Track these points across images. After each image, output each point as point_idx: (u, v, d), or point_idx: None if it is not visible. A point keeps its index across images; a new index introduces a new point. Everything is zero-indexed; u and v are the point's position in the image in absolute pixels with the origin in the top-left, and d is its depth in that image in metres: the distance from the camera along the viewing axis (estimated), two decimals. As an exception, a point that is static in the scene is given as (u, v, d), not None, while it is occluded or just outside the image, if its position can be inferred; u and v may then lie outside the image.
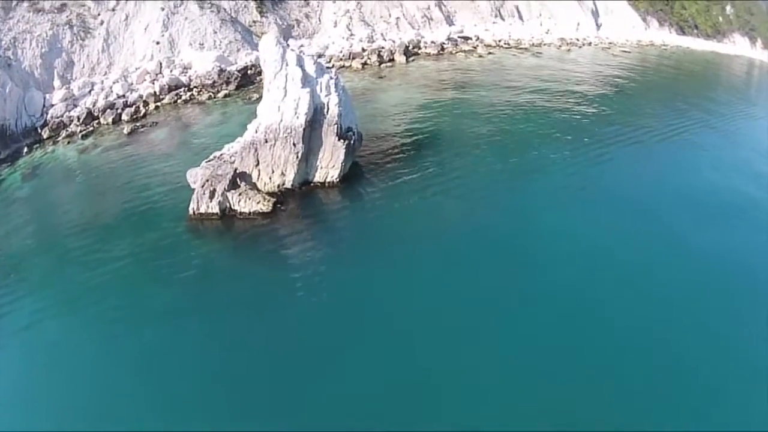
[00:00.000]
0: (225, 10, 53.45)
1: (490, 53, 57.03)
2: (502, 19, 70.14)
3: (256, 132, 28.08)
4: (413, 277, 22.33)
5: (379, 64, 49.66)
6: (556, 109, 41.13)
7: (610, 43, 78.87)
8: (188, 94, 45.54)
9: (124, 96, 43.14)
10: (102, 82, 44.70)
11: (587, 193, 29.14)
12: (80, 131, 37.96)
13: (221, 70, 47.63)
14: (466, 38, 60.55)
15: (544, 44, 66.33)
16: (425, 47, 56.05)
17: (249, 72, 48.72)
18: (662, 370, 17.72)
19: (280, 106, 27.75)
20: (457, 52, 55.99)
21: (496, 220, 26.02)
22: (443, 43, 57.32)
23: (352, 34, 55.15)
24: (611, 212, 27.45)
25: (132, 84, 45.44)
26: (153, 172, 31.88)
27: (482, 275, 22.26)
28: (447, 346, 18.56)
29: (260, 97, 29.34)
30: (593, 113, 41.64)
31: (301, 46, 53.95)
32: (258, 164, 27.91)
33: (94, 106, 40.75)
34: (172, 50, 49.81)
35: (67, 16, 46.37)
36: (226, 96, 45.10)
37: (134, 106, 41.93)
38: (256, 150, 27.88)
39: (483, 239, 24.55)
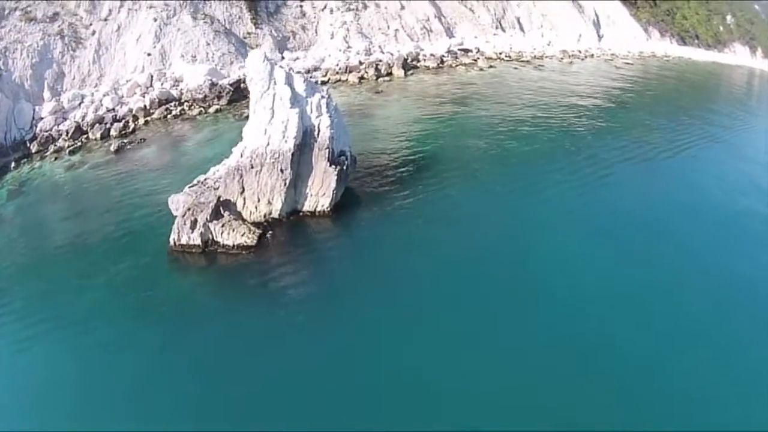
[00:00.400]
0: (219, 21, 51.46)
1: (491, 66, 54.93)
2: (503, 30, 68.17)
3: (242, 156, 25.86)
4: (410, 317, 20.07)
5: (377, 78, 47.55)
6: (559, 126, 38.98)
7: (612, 54, 76.97)
8: (179, 108, 43.49)
9: (113, 109, 41.39)
10: (92, 94, 43.03)
11: (593, 217, 26.96)
12: (68, 146, 36.58)
13: (213, 84, 45.56)
14: (467, 51, 58.50)
15: (546, 56, 64.31)
16: (424, 60, 53.98)
17: (242, 86, 46.56)
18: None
19: (267, 128, 25.57)
20: (457, 65, 53.91)
21: (498, 252, 23.76)
22: (443, 56, 55.26)
23: (349, 47, 53.11)
24: (617, 236, 25.47)
25: (122, 97, 43.63)
26: (137, 195, 30.10)
27: (484, 316, 20.03)
28: (445, 393, 16.62)
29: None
30: (598, 129, 39.52)
31: (297, 58, 52.00)
32: (243, 191, 25.68)
33: (83, 119, 39.18)
34: (164, 62, 47.80)
35: (59, 26, 44.69)
36: (217, 111, 42.97)
37: (123, 121, 40.08)
38: (241, 176, 25.65)
39: (484, 274, 22.30)
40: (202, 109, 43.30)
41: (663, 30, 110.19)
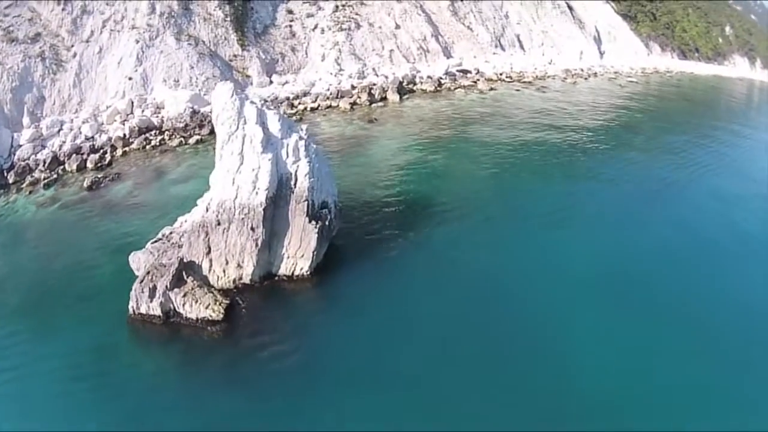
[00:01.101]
0: (204, 42, 47.65)
1: (491, 89, 51.11)
2: (503, 49, 64.53)
3: (207, 211, 21.82)
4: (401, 406, 16.14)
5: (370, 104, 43.67)
6: (567, 158, 35.13)
7: (616, 72, 73.37)
8: (158, 138, 39.59)
9: (92, 138, 37.80)
10: (72, 121, 39.69)
11: (611, 270, 23.17)
12: (44, 178, 33.46)
13: (194, 112, 41.63)
14: (465, 72, 54.75)
15: (548, 76, 60.61)
16: (421, 83, 50.16)
17: None
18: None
19: (236, 178, 21.54)
20: (455, 88, 50.06)
21: (502, 326, 19.76)
22: (440, 78, 51.46)
23: (341, 70, 49.32)
24: (633, 283, 21.91)
25: (102, 124, 40.05)
26: (104, 242, 26.36)
27: (484, 404, 16.16)
28: None
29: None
30: (608, 159, 35.76)
31: (286, 82, 48.21)
32: (209, 252, 21.60)
33: (60, 149, 35.97)
34: (145, 87, 43.99)
35: (40, 47, 41.05)
36: (198, 142, 39.00)
37: (101, 152, 36.55)
38: (206, 234, 21.59)
39: (486, 353, 18.40)
40: (182, 139, 39.37)
41: (664, 44, 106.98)
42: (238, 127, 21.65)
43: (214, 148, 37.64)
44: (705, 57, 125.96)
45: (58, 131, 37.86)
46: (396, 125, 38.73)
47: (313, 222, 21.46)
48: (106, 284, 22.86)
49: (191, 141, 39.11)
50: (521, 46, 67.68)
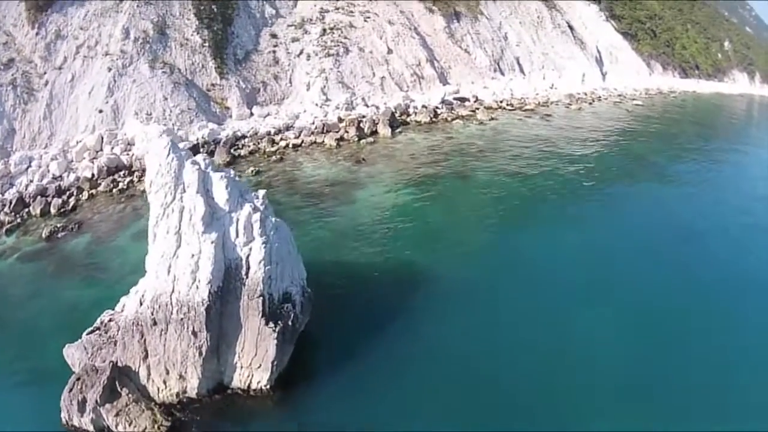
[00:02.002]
0: (180, 70, 42.87)
1: (491, 118, 46.30)
2: (502, 73, 59.94)
3: (141, 305, 16.72)
4: None
5: (359, 140, 38.75)
6: (582, 201, 30.25)
7: (620, 95, 68.94)
8: (127, 180, 34.82)
9: (60, 177, 33.76)
10: (41, 157, 35.88)
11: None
12: (8, 222, 30.07)
13: None
14: (463, 100, 50.02)
15: (551, 102, 55.93)
16: (415, 113, 45.35)
17: (201, 150, 37.78)
18: None
19: (172, 265, 16.43)
20: (453, 119, 45.22)
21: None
22: (436, 108, 46.68)
23: (327, 100, 44.53)
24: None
25: (71, 161, 35.74)
26: (52, 313, 21.82)
27: None
28: None
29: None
30: (625, 199, 30.98)
31: (268, 114, 43.39)
32: (147, 357, 16.47)
33: (26, 189, 32.23)
34: (116, 121, 39.19)
35: (12, 74, 37.16)
36: None
37: (66, 194, 32.34)
38: (142, 335, 16.47)
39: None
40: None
41: (665, 63, 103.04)
42: (174, 198, 16.59)
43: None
44: (705, 74, 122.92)
45: (27, 168, 34.08)
46: (386, 166, 33.73)
47: (272, 324, 16.32)
48: (47, 371, 17.93)
49: (159, 183, 34.17)
50: (521, 70, 63.16)
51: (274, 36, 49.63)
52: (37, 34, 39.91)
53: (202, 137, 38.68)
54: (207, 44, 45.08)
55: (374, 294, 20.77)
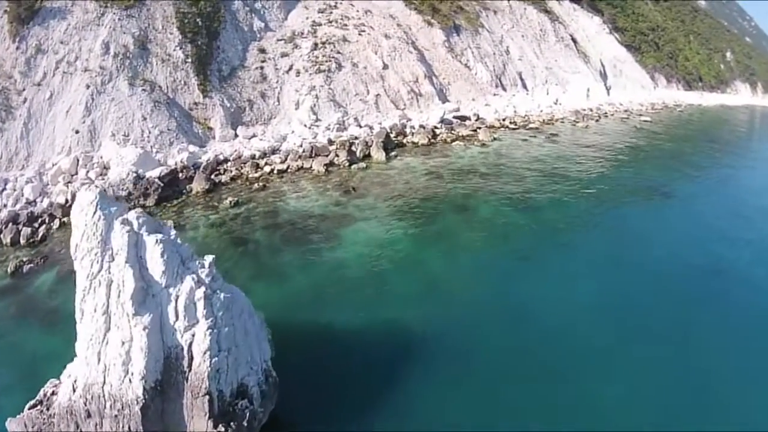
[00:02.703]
0: (160, 88, 39.25)
1: (494, 139, 42.57)
2: (504, 89, 56.30)
3: (74, 391, 12.90)
4: None
5: (350, 164, 34.95)
6: (598, 238, 26.34)
7: (626, 110, 65.27)
8: (96, 207, 30.66)
9: (33, 202, 30.50)
10: (16, 179, 32.67)
11: None
12: None
13: (138, 178, 32.89)
14: (464, 118, 46.33)
15: (557, 120, 52.23)
16: (412, 134, 41.62)
17: (180, 176, 34.09)
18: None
19: (101, 351, 12.61)
20: (453, 140, 41.45)
21: None
22: (435, 128, 42.95)
23: (317, 120, 40.84)
24: None
25: (47, 185, 32.28)
26: (9, 368, 17.93)
27: None
28: None
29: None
30: (644, 238, 26.97)
31: (253, 135, 39.70)
32: (72, 459, 12.61)
33: None
34: (93, 142, 35.59)
35: None
36: None
37: (37, 222, 28.86)
38: (77, 426, 12.70)
39: None
40: None
41: (669, 75, 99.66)
42: (101, 267, 12.77)
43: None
44: (708, 86, 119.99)
45: (2, 191, 30.82)
46: (378, 197, 29.90)
47: (222, 426, 12.43)
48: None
49: (130, 215, 30.43)
50: (524, 85, 59.52)
51: (262, 51, 46.10)
52: (17, 48, 36.59)
53: (181, 161, 34.97)
54: (190, 60, 41.54)
55: (359, 366, 16.84)
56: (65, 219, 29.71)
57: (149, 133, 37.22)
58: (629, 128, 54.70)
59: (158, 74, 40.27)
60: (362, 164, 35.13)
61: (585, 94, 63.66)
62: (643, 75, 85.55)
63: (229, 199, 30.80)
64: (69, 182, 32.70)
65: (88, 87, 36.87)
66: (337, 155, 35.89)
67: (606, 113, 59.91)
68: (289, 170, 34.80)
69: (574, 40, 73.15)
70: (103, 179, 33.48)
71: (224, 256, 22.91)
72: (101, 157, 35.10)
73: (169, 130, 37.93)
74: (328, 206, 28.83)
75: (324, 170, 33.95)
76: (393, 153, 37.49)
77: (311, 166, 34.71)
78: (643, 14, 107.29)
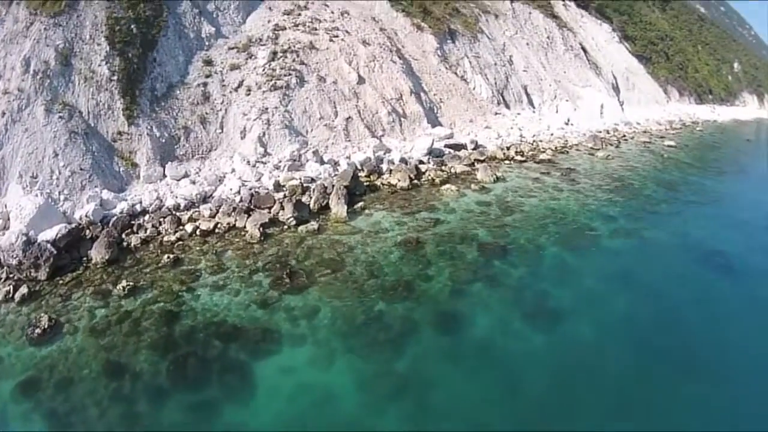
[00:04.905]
0: (81, 114, 28.05)
1: (497, 178, 31.50)
2: (507, 106, 45.16)
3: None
4: None
5: (297, 224, 23.96)
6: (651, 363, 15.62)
7: (645, 131, 54.22)
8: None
9: None
10: None
11: None
12: None
13: (28, 242, 21.45)
14: (458, 147, 35.27)
15: (571, 146, 41.24)
16: (389, 171, 30.55)
17: (85, 234, 23.27)
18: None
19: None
20: (442, 182, 30.33)
21: None
22: (420, 162, 31.92)
23: (266, 154, 29.81)
24: None
25: None
26: None
27: None
28: None
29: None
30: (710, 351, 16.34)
31: (185, 175, 28.60)
32: None
33: None
34: (1, 184, 24.97)
35: None
36: (22, 301, 19.05)
37: None
38: None
39: None
40: (8, 290, 19.84)
41: (681, 88, 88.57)
42: None
43: (44, 312, 18.19)
44: (718, 98, 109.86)
45: None
46: (326, 290, 18.94)
47: None
48: None
49: (16, 296, 19.34)
50: (530, 101, 48.38)
51: (208, 63, 34.93)
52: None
53: (86, 215, 23.87)
54: (116, 77, 30.35)
55: None
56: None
57: (59, 174, 26.09)
58: (655, 158, 43.70)
59: (80, 96, 29.09)
60: (313, 224, 24.09)
61: (599, 112, 52.60)
62: (656, 88, 74.44)
63: (124, 282, 19.72)
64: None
65: (3, 115, 26.02)
66: (282, 208, 24.89)
67: (624, 136, 48.94)
68: (216, 230, 23.87)
69: (584, 49, 62.00)
70: (2, 236, 22.56)
71: (89, 398, 12.98)
72: (5, 207, 24.08)
73: (81, 170, 26.78)
74: (250, 307, 17.89)
75: (259, 234, 22.95)
76: (360, 203, 26.44)
77: (245, 227, 23.72)
78: (651, 22, 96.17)
